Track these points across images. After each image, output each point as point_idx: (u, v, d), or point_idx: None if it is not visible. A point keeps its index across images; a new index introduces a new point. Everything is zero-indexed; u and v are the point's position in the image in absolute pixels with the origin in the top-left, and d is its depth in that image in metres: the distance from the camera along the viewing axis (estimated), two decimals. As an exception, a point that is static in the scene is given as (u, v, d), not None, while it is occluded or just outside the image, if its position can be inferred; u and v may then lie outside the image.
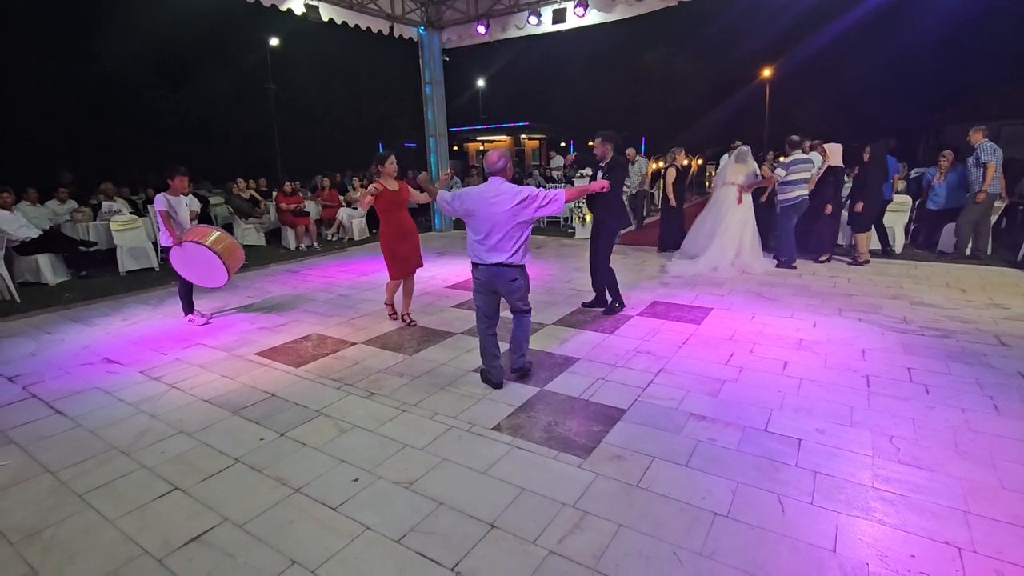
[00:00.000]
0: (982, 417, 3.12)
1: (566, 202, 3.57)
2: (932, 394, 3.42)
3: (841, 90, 29.86)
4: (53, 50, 20.84)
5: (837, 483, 2.54)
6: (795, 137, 7.00)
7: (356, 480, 2.70)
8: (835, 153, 7.25)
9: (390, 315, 5.32)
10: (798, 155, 6.89)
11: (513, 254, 3.45)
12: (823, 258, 7.29)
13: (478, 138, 29.09)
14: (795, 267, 6.99)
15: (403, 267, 4.98)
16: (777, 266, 7.06)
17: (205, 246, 4.96)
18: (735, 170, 7.14)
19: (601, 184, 4.04)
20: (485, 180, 3.54)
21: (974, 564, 2.03)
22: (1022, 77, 18.38)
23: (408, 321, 5.18)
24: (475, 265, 3.58)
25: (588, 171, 12.61)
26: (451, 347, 4.54)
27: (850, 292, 5.85)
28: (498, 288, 3.56)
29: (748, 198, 7.13)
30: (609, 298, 5.40)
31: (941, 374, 3.71)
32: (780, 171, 6.90)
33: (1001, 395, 3.38)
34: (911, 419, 3.11)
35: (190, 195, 5.52)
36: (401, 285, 5.15)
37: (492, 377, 3.70)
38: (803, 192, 6.89)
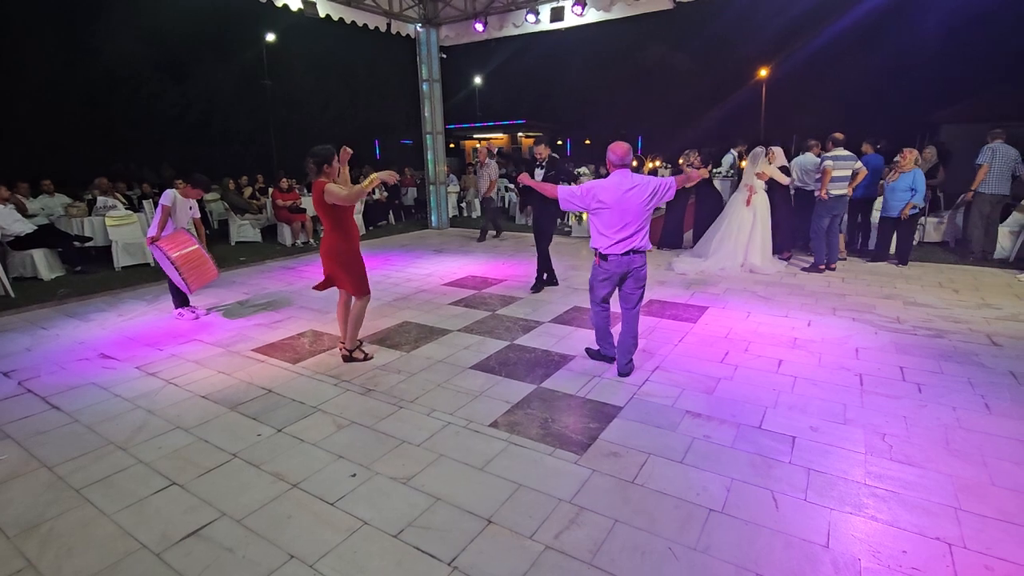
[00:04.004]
0: (973, 415, 3.16)
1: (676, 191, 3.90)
2: (924, 393, 3.46)
3: (838, 90, 29.96)
4: (49, 46, 20.69)
5: (830, 480, 2.57)
6: (838, 135, 6.79)
7: (354, 476, 2.71)
8: (779, 156, 7.29)
9: (364, 357, 4.23)
10: (840, 151, 6.69)
11: (643, 240, 3.69)
12: (784, 256, 7.40)
13: (475, 136, 29.08)
14: (821, 270, 6.78)
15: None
16: (803, 270, 6.89)
17: (167, 256, 4.96)
18: (748, 171, 7.16)
19: (701, 173, 4.41)
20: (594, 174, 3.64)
21: (964, 560, 2.06)
22: (1020, 78, 18.51)
23: (364, 356, 4.25)
24: (604, 256, 3.69)
25: (584, 170, 12.57)
26: (448, 344, 4.55)
27: (844, 292, 5.90)
28: (628, 275, 3.72)
29: (762, 199, 7.11)
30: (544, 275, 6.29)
31: (933, 373, 3.75)
32: (828, 162, 6.62)
33: (992, 394, 3.42)
34: (903, 417, 3.15)
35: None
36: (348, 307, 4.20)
37: (608, 353, 3.98)
38: (840, 191, 6.68)
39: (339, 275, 4.05)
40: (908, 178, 6.67)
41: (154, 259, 7.98)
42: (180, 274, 5.00)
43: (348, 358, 4.20)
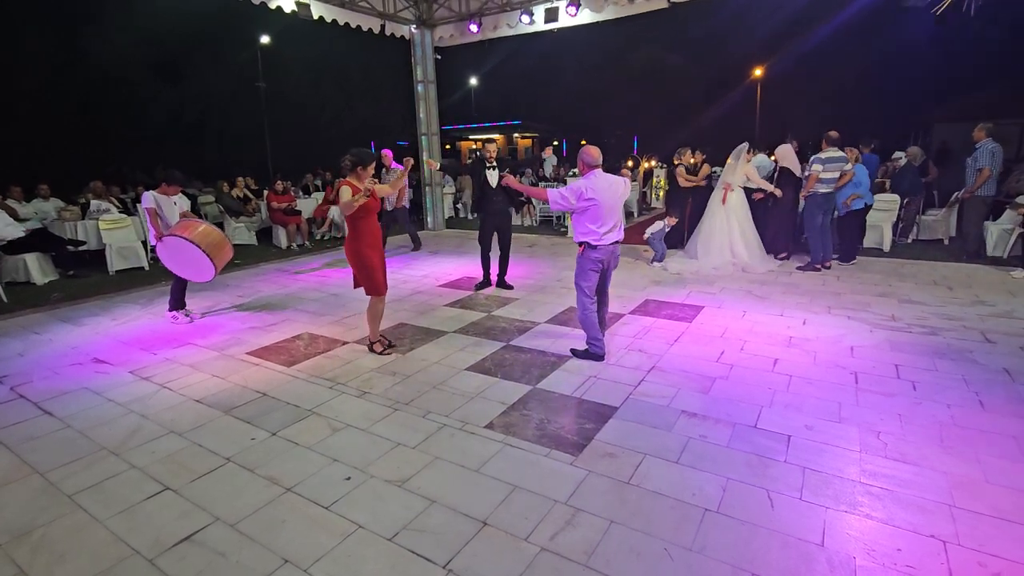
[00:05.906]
0: (967, 413, 3.16)
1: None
2: (919, 390, 3.47)
3: (833, 88, 30.11)
4: (49, 47, 20.61)
5: (825, 478, 2.57)
6: (833, 134, 6.72)
7: (348, 479, 2.70)
8: (786, 155, 7.26)
9: (382, 351, 4.38)
10: (833, 152, 6.66)
11: (622, 231, 4.00)
12: (781, 256, 7.40)
13: (471, 136, 29.09)
14: (817, 269, 6.76)
15: (383, 280, 4.30)
16: (798, 268, 6.88)
17: (187, 239, 4.85)
18: (730, 168, 7.16)
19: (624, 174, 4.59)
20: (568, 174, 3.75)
21: (958, 556, 2.06)
22: (1011, 76, 18.63)
23: (381, 350, 4.44)
24: (592, 247, 3.88)
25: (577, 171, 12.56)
26: (444, 345, 4.54)
27: (839, 290, 5.91)
28: (609, 264, 4.02)
29: (740, 198, 7.13)
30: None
31: (928, 370, 3.76)
32: (817, 166, 6.61)
33: (986, 391, 3.43)
34: (898, 415, 3.16)
35: (179, 194, 5.49)
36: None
37: (599, 350, 4.06)
38: (827, 189, 6.69)
39: (353, 271, 4.26)
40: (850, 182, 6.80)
41: (154, 257, 7.99)
42: (204, 252, 4.88)
43: (370, 349, 4.45)
